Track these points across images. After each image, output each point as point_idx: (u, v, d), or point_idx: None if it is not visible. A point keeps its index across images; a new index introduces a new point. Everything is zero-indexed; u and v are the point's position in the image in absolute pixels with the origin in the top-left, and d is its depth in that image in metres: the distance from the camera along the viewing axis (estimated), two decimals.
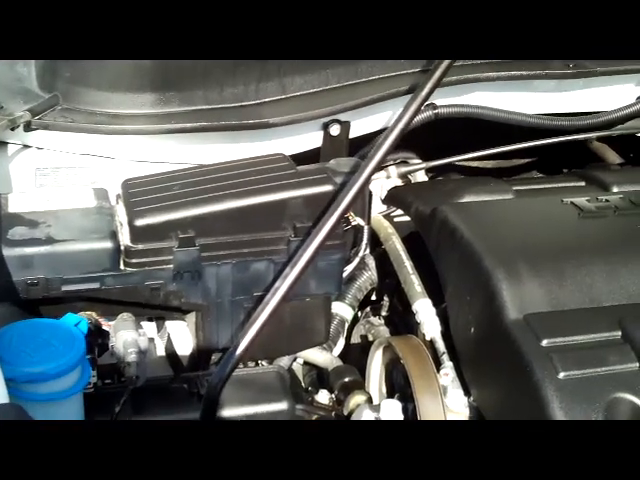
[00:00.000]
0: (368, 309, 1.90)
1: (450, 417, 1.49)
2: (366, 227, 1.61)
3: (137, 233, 1.32)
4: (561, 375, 1.28)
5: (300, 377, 1.73)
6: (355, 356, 1.80)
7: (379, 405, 1.47)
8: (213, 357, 1.48)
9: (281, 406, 1.36)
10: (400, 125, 1.18)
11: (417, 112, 1.23)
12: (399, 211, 1.88)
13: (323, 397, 1.62)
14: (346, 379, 1.59)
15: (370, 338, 1.86)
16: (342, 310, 1.75)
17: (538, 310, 1.38)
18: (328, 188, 1.40)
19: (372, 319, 1.89)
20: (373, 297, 1.91)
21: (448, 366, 1.52)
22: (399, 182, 1.90)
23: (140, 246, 1.33)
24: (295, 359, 1.69)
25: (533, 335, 1.34)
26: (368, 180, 1.19)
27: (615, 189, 1.71)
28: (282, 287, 1.09)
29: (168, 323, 1.54)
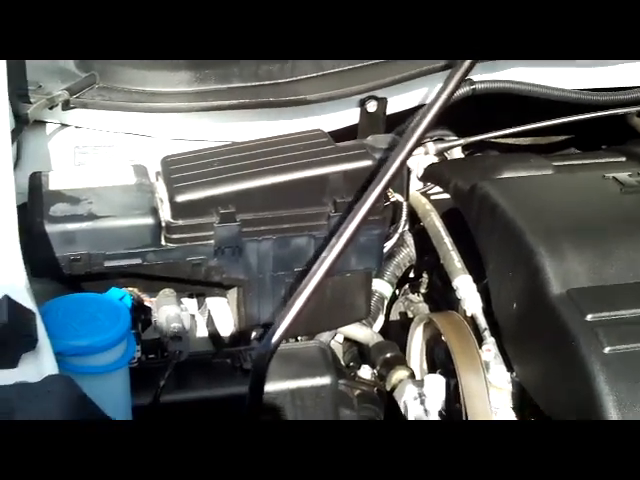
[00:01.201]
0: (407, 286, 1.89)
1: (493, 392, 1.48)
2: (405, 203, 1.60)
3: (178, 209, 1.32)
4: (607, 350, 1.27)
5: (339, 354, 1.73)
6: (394, 333, 1.80)
7: (422, 380, 1.46)
8: (254, 332, 1.48)
9: (324, 380, 1.35)
10: (440, 101, 1.17)
11: (457, 88, 1.21)
12: (436, 189, 1.87)
13: (365, 372, 1.62)
14: (388, 355, 1.59)
15: (409, 315, 1.85)
16: (381, 287, 1.75)
17: (581, 285, 1.37)
18: (368, 163, 1.39)
19: (411, 296, 1.88)
20: (411, 274, 1.91)
21: (490, 342, 1.51)
22: (435, 159, 1.89)
23: (181, 222, 1.32)
24: (335, 335, 1.69)
25: (577, 310, 1.33)
26: (409, 155, 1.18)
27: None
28: (326, 261, 1.08)
29: (208, 300, 1.54)
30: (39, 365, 0.94)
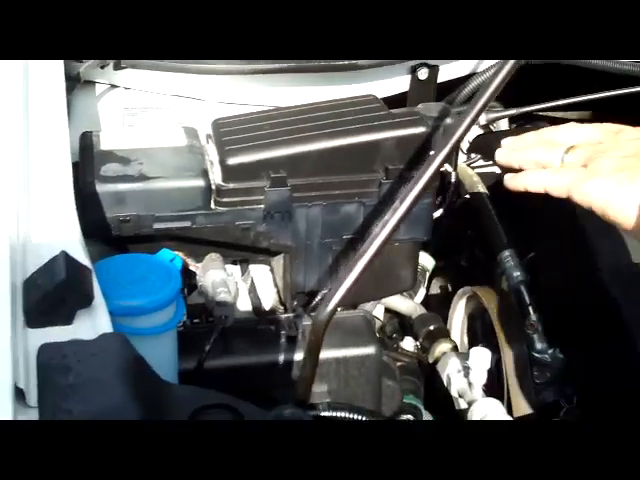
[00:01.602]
0: (449, 259, 1.88)
1: (535, 368, 1.47)
2: (453, 174, 1.58)
3: (229, 172, 1.31)
4: None
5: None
6: (435, 306, 1.79)
7: (466, 353, 1.45)
8: (297, 300, 1.47)
9: (369, 350, 1.34)
10: (505, 70, 1.15)
11: (517, 65, 1.18)
12: (482, 162, 1.85)
13: (408, 344, 1.61)
14: (431, 327, 1.58)
15: (450, 289, 1.84)
16: (423, 259, 1.73)
17: (634, 266, 1.35)
18: (421, 130, 1.37)
19: (453, 270, 1.87)
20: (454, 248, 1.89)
21: (534, 317, 1.50)
22: (481, 132, 1.87)
23: (231, 185, 1.31)
24: (376, 306, 1.69)
25: (629, 289, 1.31)
26: (471, 125, 1.16)
27: None
28: (386, 228, 1.06)
29: (252, 267, 1.53)
30: (94, 323, 0.93)
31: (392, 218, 0.99)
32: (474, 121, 1.06)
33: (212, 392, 0.95)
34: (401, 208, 0.99)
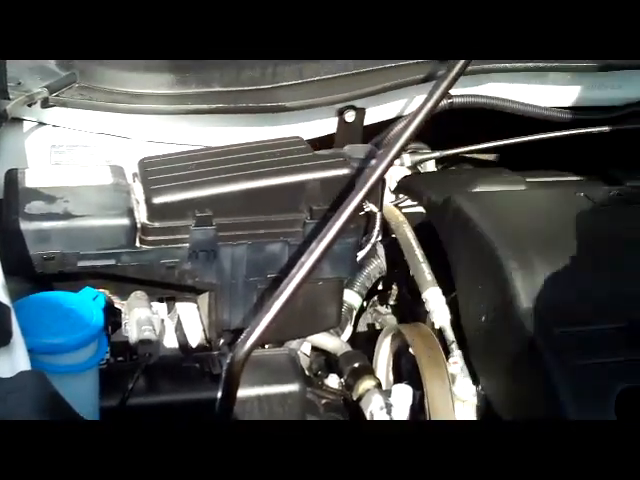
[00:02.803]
0: (375, 298, 1.91)
1: (458, 405, 1.49)
2: (379, 214, 1.61)
3: (154, 211, 1.32)
4: (572, 364, 1.29)
5: (305, 365, 1.73)
6: (362, 344, 1.80)
7: (389, 390, 1.47)
8: (223, 338, 1.48)
9: (293, 387, 1.36)
10: (424, 111, 1.18)
11: (441, 100, 1.22)
12: (409, 202, 1.89)
13: (332, 381, 1.62)
14: (356, 364, 1.59)
15: (377, 327, 1.86)
16: (350, 297, 1.75)
17: (550, 300, 1.39)
18: (345, 171, 1.40)
19: (379, 308, 1.89)
20: (380, 287, 1.92)
21: (457, 354, 1.53)
22: (408, 172, 1.91)
23: (157, 224, 1.32)
24: (303, 343, 1.70)
25: (544, 324, 1.34)
26: (391, 164, 1.19)
27: (627, 183, 1.72)
28: (304, 268, 1.08)
29: (178, 304, 1.54)
30: (12, 360, 0.93)
31: (309, 258, 1.01)
32: (390, 164, 1.09)
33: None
34: (318, 248, 1.02)
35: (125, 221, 1.31)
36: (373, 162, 1.44)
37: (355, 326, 1.85)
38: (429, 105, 1.20)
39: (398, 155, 1.16)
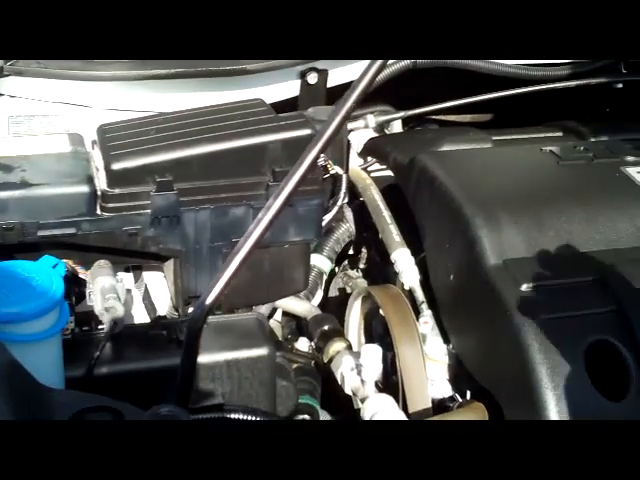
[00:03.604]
0: (346, 262, 1.90)
1: (429, 365, 1.49)
2: (344, 176, 1.60)
3: (114, 177, 1.30)
4: (541, 318, 1.29)
5: (277, 332, 1.73)
6: (333, 309, 1.80)
7: (359, 352, 1.46)
8: (191, 304, 1.46)
9: (261, 351, 1.34)
10: (377, 63, 1.16)
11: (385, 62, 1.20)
12: (376, 165, 1.88)
13: (303, 345, 1.62)
14: (325, 327, 1.58)
15: (348, 291, 1.86)
16: (320, 262, 1.74)
17: (517, 256, 1.39)
18: (307, 132, 1.38)
19: (350, 272, 1.88)
20: (350, 251, 1.91)
21: (427, 314, 1.52)
22: (375, 135, 1.90)
23: (117, 190, 1.30)
24: (275, 310, 1.69)
25: (513, 280, 1.34)
26: (345, 119, 1.16)
27: (592, 139, 1.72)
28: (257, 230, 1.07)
29: (145, 273, 1.52)
30: None
31: (265, 216, 0.99)
32: (344, 119, 1.07)
33: (92, 395, 0.95)
34: (274, 205, 1.00)
35: (85, 188, 1.29)
36: (326, 120, 1.42)
37: (326, 291, 1.85)
38: (378, 62, 1.17)
39: (353, 108, 1.13)
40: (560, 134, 1.78)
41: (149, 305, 1.52)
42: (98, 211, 1.31)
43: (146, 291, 1.53)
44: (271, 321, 1.71)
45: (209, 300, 0.94)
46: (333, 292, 1.88)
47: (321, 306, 1.77)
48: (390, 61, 1.34)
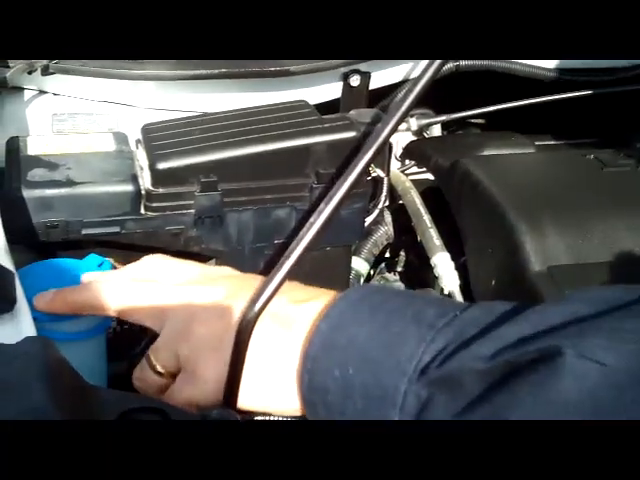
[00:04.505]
0: (383, 265, 1.89)
1: None
2: (386, 179, 1.59)
3: (158, 177, 1.30)
4: None
5: None
6: None
7: None
8: None
9: None
10: (429, 73, 1.15)
11: (445, 63, 1.19)
12: (415, 168, 1.87)
13: None
14: None
15: None
16: (358, 264, 1.73)
17: (561, 262, 1.38)
18: (352, 134, 1.38)
19: (387, 275, 1.87)
20: (387, 254, 1.90)
21: None
22: (414, 138, 1.89)
23: (161, 190, 1.30)
24: None
25: (556, 287, 1.33)
26: (396, 127, 1.16)
27: (637, 145, 1.70)
28: (308, 235, 1.06)
29: None
30: (17, 327, 0.92)
31: (317, 220, 0.99)
32: (398, 124, 1.06)
33: (137, 395, 0.94)
34: (326, 210, 0.99)
35: (129, 187, 1.29)
36: (379, 125, 1.41)
37: None
38: (435, 65, 1.16)
39: (404, 116, 1.12)
40: (604, 140, 1.76)
41: None
42: (142, 210, 1.31)
43: None
44: None
45: (259, 304, 0.93)
46: None
47: None
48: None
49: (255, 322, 0.99)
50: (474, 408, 0.72)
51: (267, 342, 0.97)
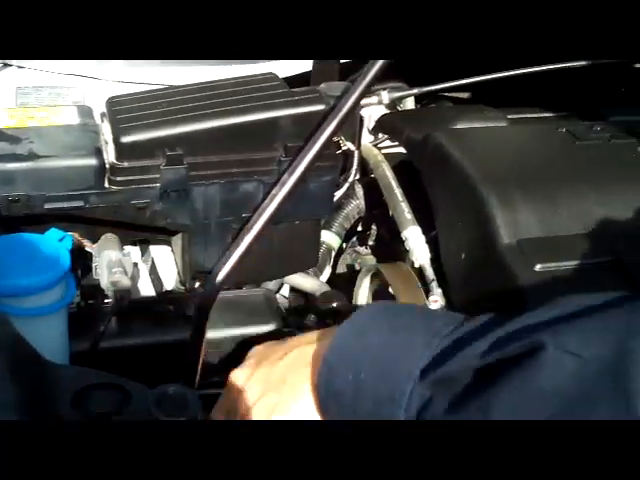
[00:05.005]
0: (355, 238, 1.88)
1: None
2: (356, 152, 1.58)
3: (123, 150, 1.28)
4: (554, 299, 1.25)
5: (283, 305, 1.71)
6: (342, 285, 1.78)
7: None
8: (198, 280, 1.45)
9: (269, 327, 1.34)
10: None
11: None
12: (388, 142, 1.85)
13: (311, 322, 1.60)
14: (334, 304, 1.57)
15: (357, 267, 1.84)
16: (329, 238, 1.73)
17: (531, 235, 1.36)
18: (320, 107, 1.35)
19: (359, 248, 1.86)
20: (359, 228, 1.89)
21: (437, 293, 1.50)
22: (386, 111, 1.87)
23: (126, 164, 1.28)
24: (282, 286, 1.67)
25: (527, 260, 1.32)
26: (361, 97, 1.15)
27: (610, 119, 1.69)
28: (270, 206, 1.05)
29: (152, 247, 1.50)
30: None
31: (280, 192, 0.98)
32: (361, 97, 1.05)
33: (97, 372, 0.93)
34: (289, 181, 0.98)
35: (93, 161, 1.27)
36: (343, 99, 1.40)
37: (334, 267, 1.83)
38: None
39: (370, 86, 1.11)
40: (577, 114, 1.75)
41: (156, 279, 1.50)
42: (106, 184, 1.29)
43: (153, 265, 1.52)
44: (278, 296, 1.69)
45: (220, 276, 0.92)
46: (341, 269, 1.87)
47: (329, 282, 1.75)
48: None
49: (214, 297, 0.99)
50: (467, 404, 0.78)
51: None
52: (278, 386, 0.96)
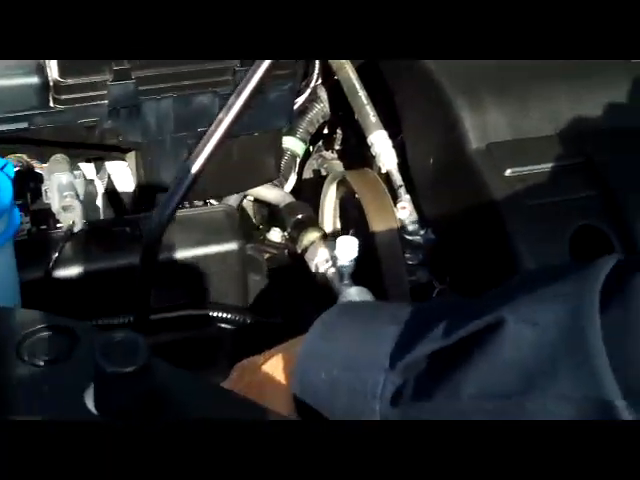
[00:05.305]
0: (320, 143, 1.82)
1: (408, 251, 1.44)
2: None
3: (66, 66, 1.21)
4: (525, 205, 1.24)
5: (251, 215, 1.67)
6: (308, 192, 1.74)
7: (334, 242, 1.41)
8: (156, 198, 1.40)
9: (231, 246, 1.29)
10: None
11: None
12: None
13: (275, 235, 1.56)
14: (299, 215, 1.52)
15: (323, 173, 1.79)
16: (293, 144, 1.67)
17: (501, 139, 1.32)
18: None
19: (325, 153, 1.81)
20: (325, 131, 1.83)
21: (405, 199, 1.45)
22: None
23: (70, 80, 1.21)
24: (245, 197, 1.62)
25: (496, 164, 1.28)
26: None
27: None
28: (227, 119, 0.99)
29: (107, 164, 1.44)
30: None
31: (237, 102, 0.91)
32: None
33: (45, 314, 0.88)
34: (246, 90, 0.91)
35: (35, 79, 1.20)
36: None
37: (300, 173, 1.78)
38: None
39: None
40: None
41: (113, 197, 1.45)
42: (51, 103, 1.22)
43: (109, 182, 1.46)
44: (245, 202, 1.65)
45: (177, 194, 0.87)
46: (307, 174, 1.82)
47: (295, 190, 1.70)
48: None
49: (168, 221, 0.93)
50: (437, 386, 0.79)
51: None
52: (259, 395, 0.96)
